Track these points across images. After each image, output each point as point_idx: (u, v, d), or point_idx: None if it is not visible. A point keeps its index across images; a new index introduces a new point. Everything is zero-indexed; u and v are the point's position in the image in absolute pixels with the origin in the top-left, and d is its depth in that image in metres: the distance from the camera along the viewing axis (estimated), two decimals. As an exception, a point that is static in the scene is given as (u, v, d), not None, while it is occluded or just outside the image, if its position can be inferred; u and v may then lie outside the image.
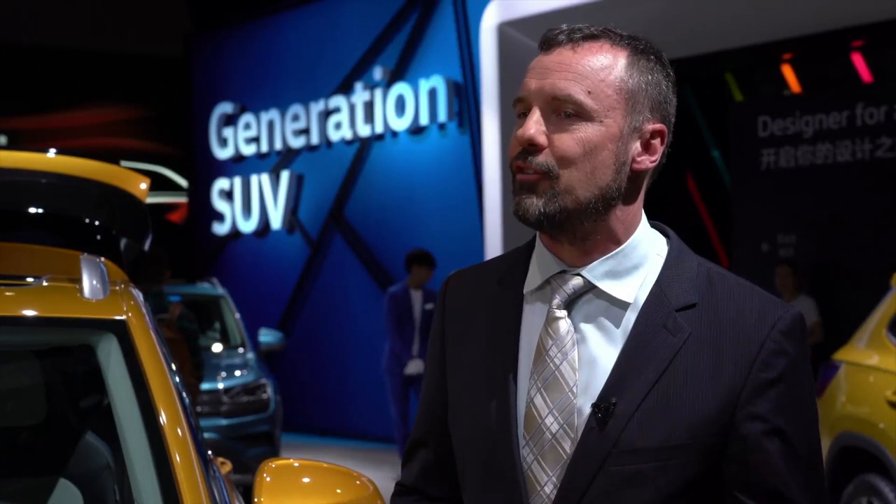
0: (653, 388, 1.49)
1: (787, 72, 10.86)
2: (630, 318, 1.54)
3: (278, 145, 13.06)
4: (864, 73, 10.28)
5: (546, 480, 1.52)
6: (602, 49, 1.54)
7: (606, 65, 1.53)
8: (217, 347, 9.33)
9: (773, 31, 9.64)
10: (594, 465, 1.49)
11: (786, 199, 10.16)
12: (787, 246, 10.13)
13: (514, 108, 1.58)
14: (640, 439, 1.48)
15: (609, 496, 1.48)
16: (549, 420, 1.52)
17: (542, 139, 1.52)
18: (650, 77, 1.55)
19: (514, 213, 1.55)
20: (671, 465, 1.47)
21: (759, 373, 1.48)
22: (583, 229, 1.54)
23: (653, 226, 1.62)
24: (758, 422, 1.48)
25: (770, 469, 1.48)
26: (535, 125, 1.52)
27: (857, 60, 10.29)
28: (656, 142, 1.56)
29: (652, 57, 1.57)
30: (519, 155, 1.54)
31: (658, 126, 1.56)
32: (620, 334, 1.54)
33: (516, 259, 1.67)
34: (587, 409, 1.51)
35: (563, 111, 1.52)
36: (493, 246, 10.11)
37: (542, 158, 1.52)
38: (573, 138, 1.51)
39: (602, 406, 1.50)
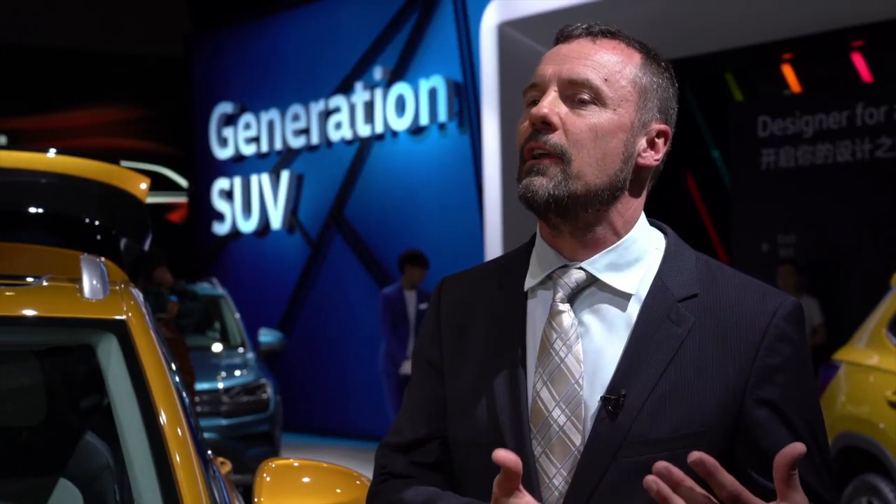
0: (661, 379, 1.51)
1: (787, 72, 10.86)
2: (633, 309, 1.56)
3: (278, 145, 13.07)
4: (864, 73, 10.28)
5: (555, 473, 1.53)
6: (618, 46, 1.58)
7: (622, 59, 1.57)
8: (217, 347, 9.33)
9: (773, 31, 9.64)
10: (606, 457, 1.50)
11: (786, 199, 10.16)
12: (787, 246, 10.13)
13: (525, 97, 1.59)
14: (652, 430, 1.49)
15: (621, 487, 1.49)
16: (557, 413, 1.53)
17: (556, 119, 1.53)
18: (660, 80, 1.59)
19: (519, 196, 1.55)
20: (682, 454, 1.48)
21: (766, 358, 1.51)
22: (585, 218, 1.55)
23: (650, 223, 1.64)
24: (766, 407, 1.50)
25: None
26: (549, 105, 1.54)
27: (857, 60, 10.29)
28: (660, 141, 1.60)
29: (662, 63, 1.61)
30: (531, 136, 1.54)
31: (663, 127, 1.60)
32: (624, 326, 1.55)
33: (514, 259, 1.67)
34: (594, 401, 1.53)
35: (578, 97, 1.54)
36: (493, 246, 10.11)
37: (557, 139, 1.53)
38: (586, 123, 1.53)
39: (612, 398, 1.51)
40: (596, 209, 1.55)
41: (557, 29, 1.63)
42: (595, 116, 1.53)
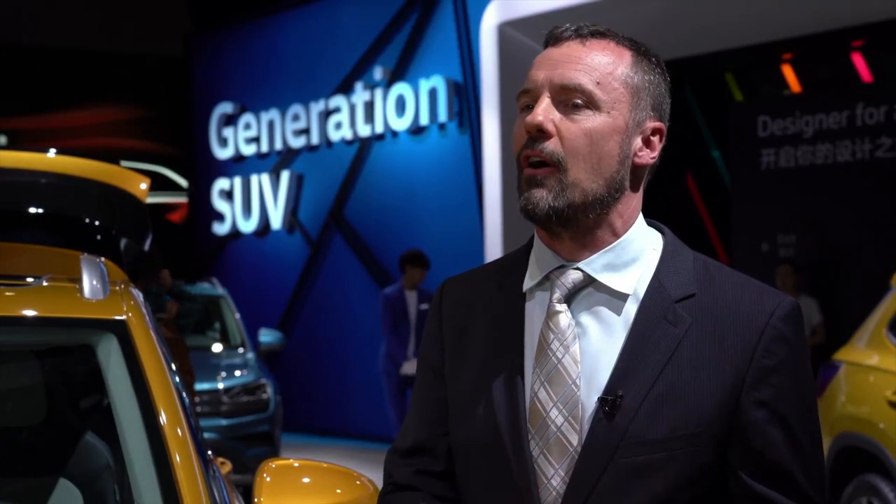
0: (658, 379, 1.51)
1: (787, 72, 10.86)
2: (630, 310, 1.56)
3: (278, 145, 13.07)
4: (864, 73, 10.28)
5: (553, 473, 1.53)
6: (608, 46, 1.58)
7: (613, 60, 1.56)
8: (217, 347, 9.33)
9: (773, 31, 9.64)
10: (604, 457, 1.50)
11: (786, 199, 10.16)
12: (787, 246, 10.13)
13: (518, 102, 1.59)
14: (649, 430, 1.49)
15: (618, 488, 1.50)
16: (554, 413, 1.54)
17: (551, 126, 1.54)
18: (652, 77, 1.59)
19: (521, 208, 1.56)
20: (679, 454, 1.49)
21: (762, 359, 1.51)
22: (586, 223, 1.56)
23: (648, 223, 1.64)
24: (762, 408, 1.50)
25: (774, 452, 1.50)
26: (543, 112, 1.54)
27: (857, 60, 10.29)
28: (655, 139, 1.60)
29: (653, 59, 1.61)
30: (527, 144, 1.55)
31: (658, 124, 1.60)
32: (621, 326, 1.56)
33: (514, 260, 1.68)
34: (591, 402, 1.53)
35: (572, 101, 1.54)
36: (493, 246, 10.11)
37: (552, 147, 1.53)
38: (581, 128, 1.53)
39: (609, 399, 1.51)
40: (596, 213, 1.56)
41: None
42: (589, 121, 1.53)
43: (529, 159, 1.55)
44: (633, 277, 1.58)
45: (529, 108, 1.57)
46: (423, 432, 1.67)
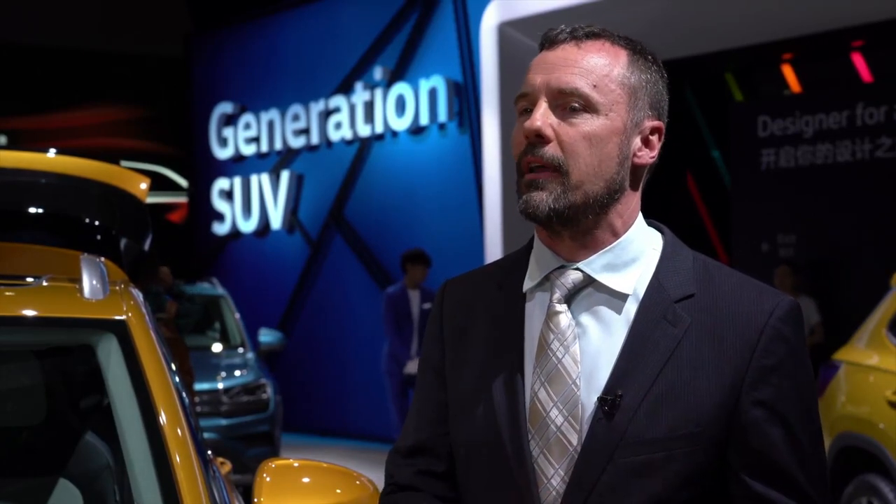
0: (657, 379, 1.51)
1: (787, 72, 10.86)
2: (630, 310, 1.56)
3: (278, 145, 13.07)
4: (864, 73, 10.28)
5: (553, 473, 1.54)
6: (604, 47, 1.57)
7: (609, 61, 1.56)
8: (217, 347, 9.33)
9: (773, 31, 9.65)
10: (603, 457, 1.50)
11: (786, 199, 10.16)
12: (787, 246, 10.13)
13: (516, 106, 1.59)
14: (648, 430, 1.50)
15: (618, 488, 1.50)
16: (554, 413, 1.54)
17: (549, 131, 1.53)
18: (649, 76, 1.59)
19: (521, 210, 1.56)
20: (678, 454, 1.49)
21: (761, 359, 1.51)
22: (586, 223, 1.56)
23: (647, 223, 1.64)
24: (761, 408, 1.50)
25: (774, 452, 1.50)
26: (541, 117, 1.54)
27: (857, 60, 10.29)
28: (654, 138, 1.60)
29: (649, 57, 1.60)
30: (526, 149, 1.55)
31: (656, 123, 1.60)
32: (621, 326, 1.56)
33: (514, 261, 1.68)
34: (591, 402, 1.53)
35: (569, 105, 1.54)
36: (493, 246, 10.11)
37: (551, 151, 1.54)
38: (579, 132, 1.53)
39: (608, 399, 1.51)
40: (596, 213, 1.56)
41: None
42: (587, 124, 1.53)
43: (530, 165, 1.55)
44: (633, 277, 1.58)
45: (527, 111, 1.57)
46: (425, 433, 1.67)
